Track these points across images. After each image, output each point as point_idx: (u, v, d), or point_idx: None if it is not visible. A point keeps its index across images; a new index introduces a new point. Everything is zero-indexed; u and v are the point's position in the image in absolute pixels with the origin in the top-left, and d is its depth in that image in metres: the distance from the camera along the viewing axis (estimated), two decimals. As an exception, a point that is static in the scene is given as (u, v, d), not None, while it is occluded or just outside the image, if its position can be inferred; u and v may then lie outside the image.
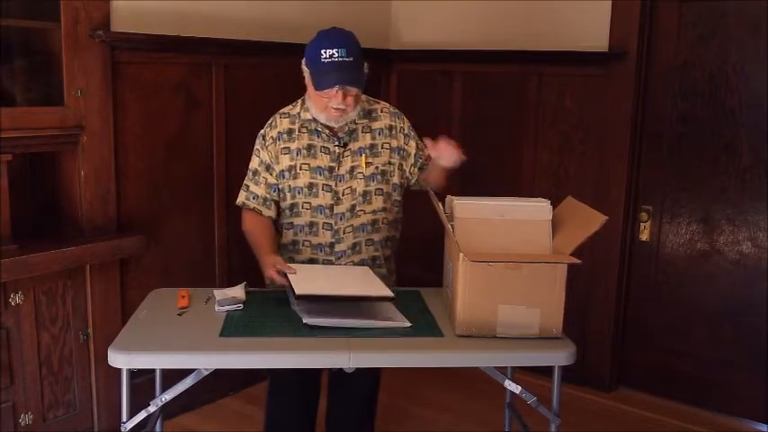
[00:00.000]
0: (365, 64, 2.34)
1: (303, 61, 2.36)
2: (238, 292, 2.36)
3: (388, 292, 2.20)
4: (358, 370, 2.12)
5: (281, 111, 2.51)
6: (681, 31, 3.40)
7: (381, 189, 2.47)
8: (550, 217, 2.25)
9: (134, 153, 3.05)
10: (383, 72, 4.17)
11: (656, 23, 3.46)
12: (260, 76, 3.46)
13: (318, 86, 2.29)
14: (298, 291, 2.12)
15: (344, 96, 2.30)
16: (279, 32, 3.49)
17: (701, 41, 3.36)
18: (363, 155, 2.43)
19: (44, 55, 2.78)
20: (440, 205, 2.25)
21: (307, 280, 2.22)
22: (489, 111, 3.91)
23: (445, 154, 2.31)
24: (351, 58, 2.26)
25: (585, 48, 3.56)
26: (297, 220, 2.46)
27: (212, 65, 3.28)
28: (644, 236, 3.60)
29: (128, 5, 2.93)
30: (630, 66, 3.46)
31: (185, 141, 3.23)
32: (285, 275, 2.24)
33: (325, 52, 2.25)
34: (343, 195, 2.43)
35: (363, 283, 2.30)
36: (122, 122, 2.98)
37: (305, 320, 2.12)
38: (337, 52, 2.24)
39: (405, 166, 2.51)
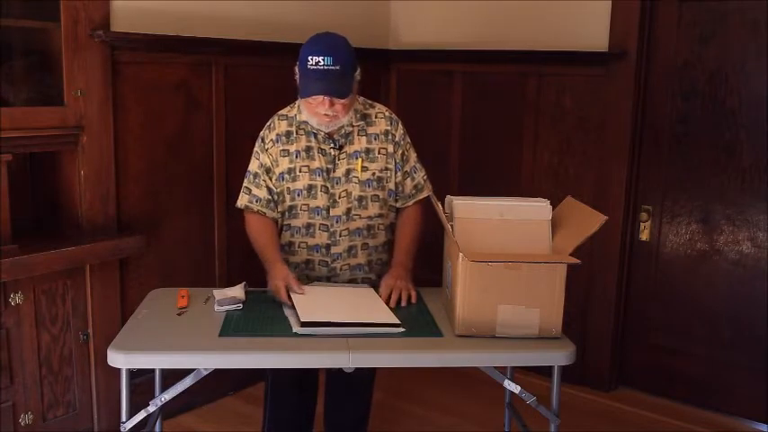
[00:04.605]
0: (356, 71, 2.30)
1: (297, 64, 2.33)
2: (238, 291, 2.35)
3: (395, 320, 2.17)
4: (357, 369, 2.12)
5: (278, 112, 2.49)
6: (681, 31, 3.40)
7: (377, 195, 2.46)
8: (550, 217, 2.25)
9: (134, 153, 3.05)
10: (382, 72, 4.17)
11: (656, 23, 3.46)
12: (260, 76, 3.45)
13: (302, 94, 2.28)
14: (302, 317, 2.11)
15: (332, 103, 2.27)
16: (279, 32, 3.49)
17: (701, 41, 3.36)
18: (360, 158, 2.41)
19: (44, 55, 2.78)
20: (439, 205, 2.25)
21: (312, 304, 2.20)
22: (489, 111, 3.91)
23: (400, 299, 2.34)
24: (337, 67, 2.20)
25: (585, 47, 3.55)
26: (294, 222, 2.46)
27: (212, 65, 3.27)
28: (644, 236, 3.60)
29: (128, 5, 2.93)
30: (630, 66, 3.45)
31: (185, 141, 3.23)
32: (290, 297, 2.23)
33: (312, 59, 2.21)
34: (339, 198, 2.42)
35: (370, 308, 2.25)
36: (122, 122, 2.98)
37: (294, 329, 2.10)
38: (323, 60, 2.19)
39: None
